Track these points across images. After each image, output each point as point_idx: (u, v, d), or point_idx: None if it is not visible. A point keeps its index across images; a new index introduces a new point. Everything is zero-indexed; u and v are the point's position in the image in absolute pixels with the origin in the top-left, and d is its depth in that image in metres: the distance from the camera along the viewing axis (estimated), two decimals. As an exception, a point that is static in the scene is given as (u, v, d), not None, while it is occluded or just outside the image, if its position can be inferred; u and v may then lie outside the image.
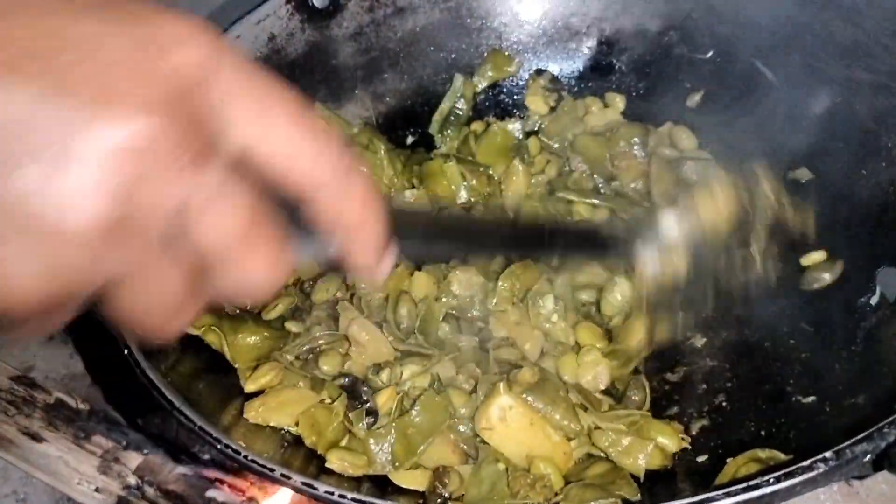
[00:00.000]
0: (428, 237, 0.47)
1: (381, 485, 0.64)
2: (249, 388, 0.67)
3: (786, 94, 0.80)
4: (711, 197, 0.65)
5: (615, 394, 0.70)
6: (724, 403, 0.70)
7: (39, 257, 0.27)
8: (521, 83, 0.92)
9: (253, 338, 0.70)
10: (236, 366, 0.69)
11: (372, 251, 0.37)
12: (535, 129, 0.89)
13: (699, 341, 0.74)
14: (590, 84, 0.90)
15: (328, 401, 0.66)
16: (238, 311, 0.72)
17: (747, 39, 0.82)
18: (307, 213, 0.35)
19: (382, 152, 0.83)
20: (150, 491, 0.74)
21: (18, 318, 0.28)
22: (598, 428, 0.65)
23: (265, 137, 0.32)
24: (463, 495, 0.62)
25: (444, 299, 0.72)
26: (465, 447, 0.64)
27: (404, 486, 0.62)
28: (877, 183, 0.72)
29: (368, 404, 0.65)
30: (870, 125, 0.73)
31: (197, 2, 1.27)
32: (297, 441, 0.65)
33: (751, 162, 0.81)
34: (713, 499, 0.47)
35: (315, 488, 0.52)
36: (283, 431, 0.66)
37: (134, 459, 0.76)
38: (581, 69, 0.91)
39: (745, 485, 0.48)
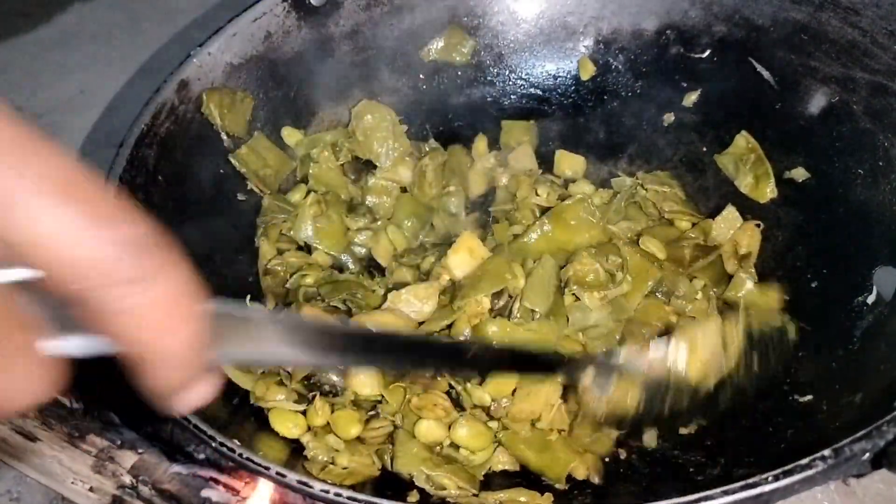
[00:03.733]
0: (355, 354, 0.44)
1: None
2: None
3: (782, 93, 0.80)
4: (692, 350, 0.61)
5: None
6: (721, 402, 0.70)
7: None
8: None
9: None
10: None
11: (173, 371, 0.30)
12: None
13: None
14: (587, 84, 0.91)
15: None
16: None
17: (744, 39, 0.82)
18: (85, 314, 0.28)
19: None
20: (144, 490, 0.73)
21: None
22: None
23: (35, 221, 0.26)
24: None
25: None
26: None
27: None
28: (873, 182, 0.72)
29: None
30: (866, 125, 0.73)
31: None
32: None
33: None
34: (711, 497, 0.47)
35: (310, 486, 0.52)
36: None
37: (129, 458, 0.75)
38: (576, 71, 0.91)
39: (742, 483, 0.48)
